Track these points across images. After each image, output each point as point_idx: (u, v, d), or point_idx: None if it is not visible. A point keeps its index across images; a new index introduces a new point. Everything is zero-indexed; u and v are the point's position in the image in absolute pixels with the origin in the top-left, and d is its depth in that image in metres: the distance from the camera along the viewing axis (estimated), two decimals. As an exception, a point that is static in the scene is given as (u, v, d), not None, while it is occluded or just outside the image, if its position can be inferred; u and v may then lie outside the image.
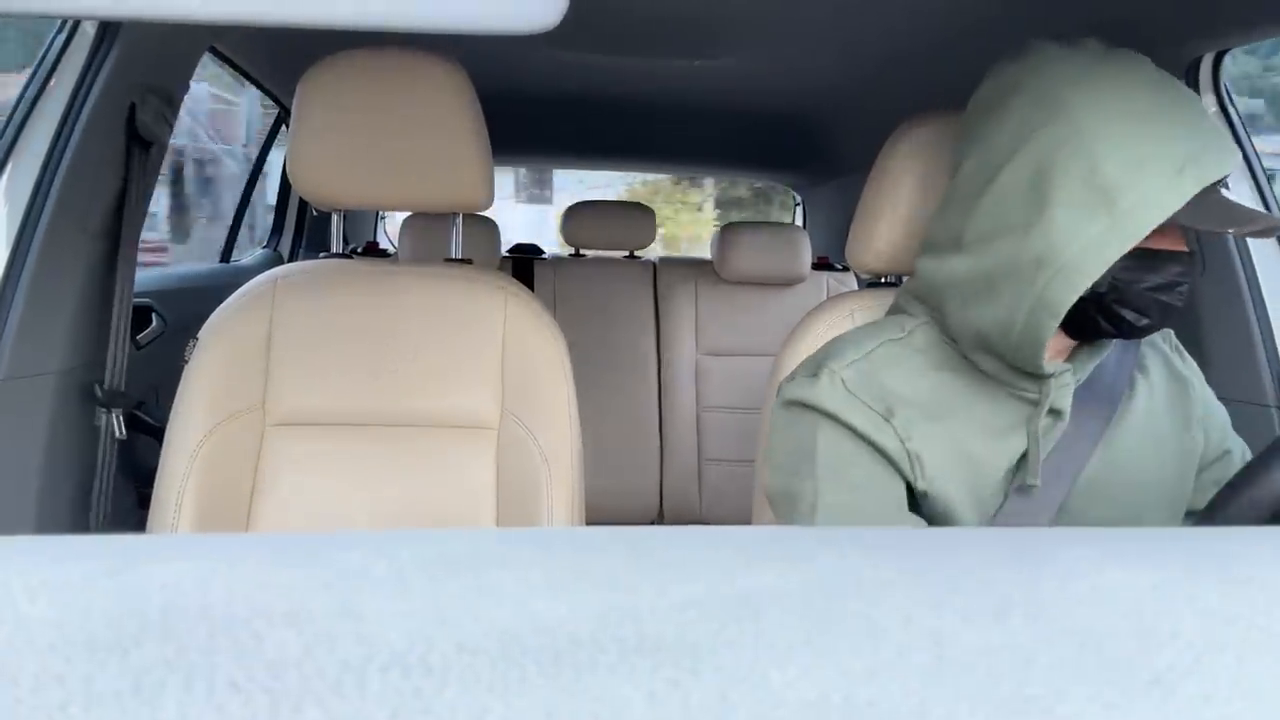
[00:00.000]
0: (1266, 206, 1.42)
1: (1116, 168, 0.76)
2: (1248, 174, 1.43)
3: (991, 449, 0.89)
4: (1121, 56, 0.84)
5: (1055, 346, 0.91)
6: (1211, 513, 0.67)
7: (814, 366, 0.93)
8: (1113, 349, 0.93)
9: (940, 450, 0.88)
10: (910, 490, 0.89)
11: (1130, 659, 0.20)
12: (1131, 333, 0.86)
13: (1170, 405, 0.96)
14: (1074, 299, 0.78)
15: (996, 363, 0.89)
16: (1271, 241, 1.42)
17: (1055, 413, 0.88)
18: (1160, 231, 0.78)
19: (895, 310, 1.00)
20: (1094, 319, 0.85)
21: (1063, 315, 0.79)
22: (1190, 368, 1.00)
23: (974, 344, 0.89)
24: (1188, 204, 0.75)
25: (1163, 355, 0.99)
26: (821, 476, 0.89)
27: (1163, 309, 0.83)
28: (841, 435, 0.89)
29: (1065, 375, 0.89)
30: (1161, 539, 0.28)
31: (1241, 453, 1.01)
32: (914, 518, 0.89)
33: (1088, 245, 0.77)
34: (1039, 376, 0.87)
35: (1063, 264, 0.78)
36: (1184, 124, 0.78)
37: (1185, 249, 0.83)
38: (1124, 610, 0.22)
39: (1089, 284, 0.78)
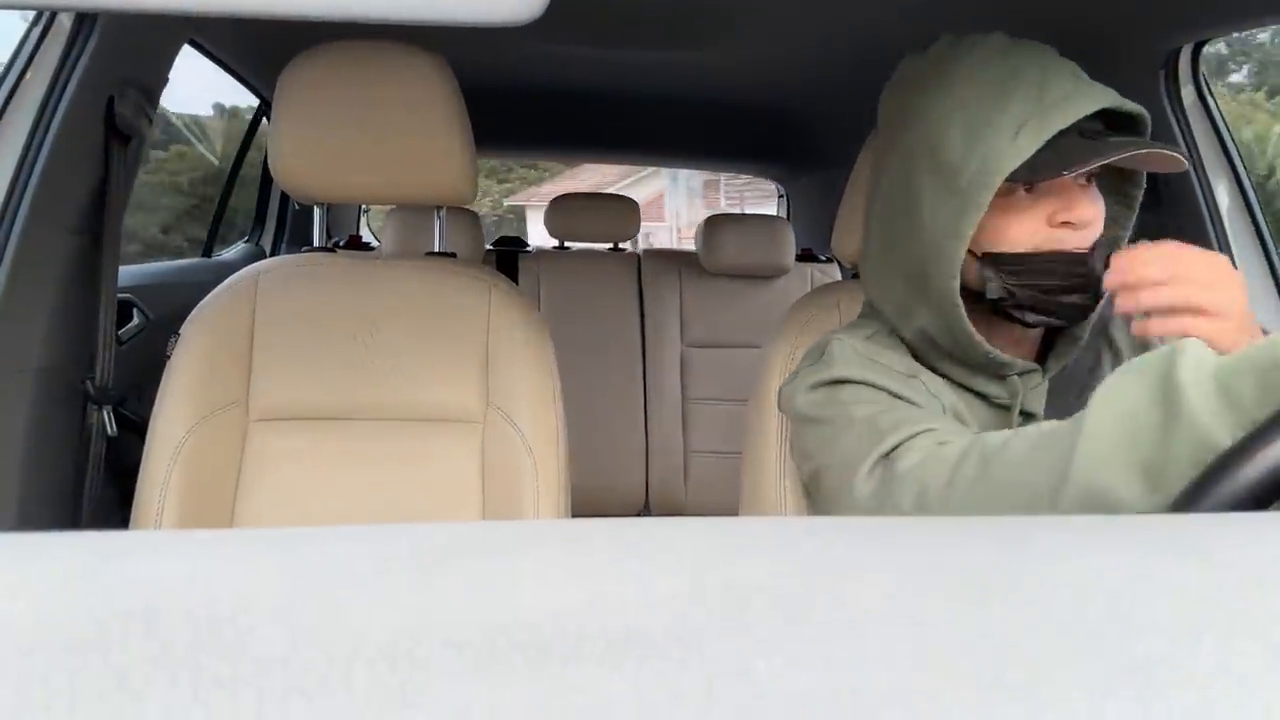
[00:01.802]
0: (1246, 200, 1.43)
1: (955, 148, 0.80)
2: (1227, 169, 1.44)
3: None
4: (966, 46, 0.86)
5: (1016, 339, 0.91)
6: (1189, 498, 0.68)
7: (818, 351, 0.93)
8: (1086, 338, 0.93)
9: (956, 419, 0.88)
10: None
11: (1111, 645, 0.20)
12: (1051, 328, 0.87)
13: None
14: (954, 284, 0.82)
15: (961, 369, 0.89)
16: (1250, 234, 1.43)
17: (1028, 415, 0.89)
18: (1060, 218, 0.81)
19: (864, 317, 1.00)
20: (1015, 320, 0.86)
21: (958, 303, 0.83)
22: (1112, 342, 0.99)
23: (931, 353, 0.90)
24: (1042, 158, 0.78)
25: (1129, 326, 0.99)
26: (860, 413, 0.83)
27: (1072, 308, 0.83)
28: (867, 388, 0.86)
29: (1034, 376, 0.89)
30: (1140, 525, 0.29)
31: None
32: (964, 429, 0.84)
33: (945, 227, 0.81)
34: (1003, 378, 0.88)
35: (934, 254, 0.83)
36: (1029, 85, 0.80)
37: (1083, 249, 0.83)
38: (1104, 596, 0.22)
39: (958, 264, 0.82)
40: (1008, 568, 0.24)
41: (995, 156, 0.78)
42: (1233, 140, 1.45)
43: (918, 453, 0.75)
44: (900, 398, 0.85)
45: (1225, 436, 0.54)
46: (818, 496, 0.91)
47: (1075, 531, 0.27)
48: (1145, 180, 0.91)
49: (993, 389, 0.89)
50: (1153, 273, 0.74)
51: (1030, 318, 0.85)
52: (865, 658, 0.19)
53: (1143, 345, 0.95)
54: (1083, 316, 0.86)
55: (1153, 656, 0.19)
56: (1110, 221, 0.89)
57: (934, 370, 0.90)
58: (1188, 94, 1.43)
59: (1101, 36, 1.34)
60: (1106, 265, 0.79)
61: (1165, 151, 0.79)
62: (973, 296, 0.86)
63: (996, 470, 0.68)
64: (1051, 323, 0.85)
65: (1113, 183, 0.91)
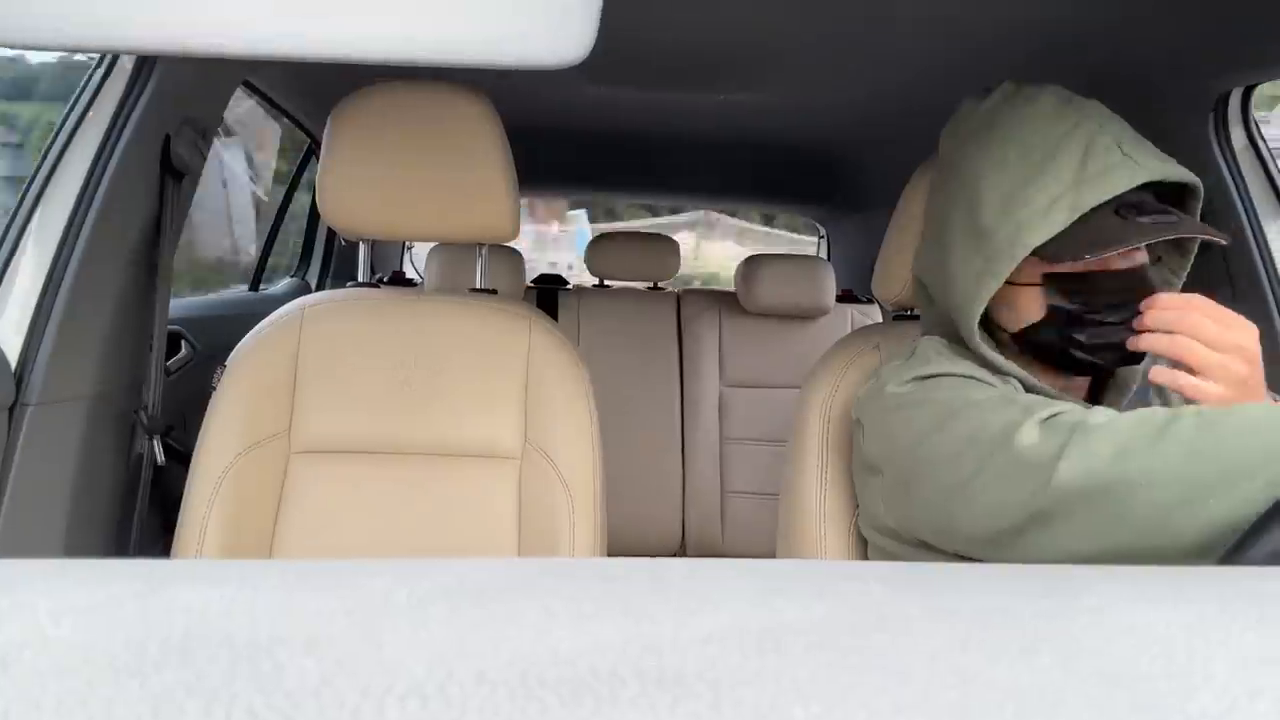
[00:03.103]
0: None
1: (990, 212, 0.82)
2: (1276, 205, 1.41)
3: None
4: (1020, 100, 0.86)
5: (1063, 385, 0.90)
6: (1240, 550, 0.66)
7: (908, 352, 0.93)
8: (1138, 384, 0.91)
9: None
10: None
11: (1163, 701, 0.19)
12: (1100, 368, 0.86)
13: None
14: (975, 334, 0.85)
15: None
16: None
17: None
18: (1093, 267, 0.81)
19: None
20: (1060, 355, 0.86)
21: (986, 351, 0.85)
22: None
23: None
24: (1073, 234, 0.78)
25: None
26: (978, 393, 0.80)
27: (1113, 349, 0.82)
28: (961, 380, 0.84)
29: None
30: (1194, 577, 0.28)
31: None
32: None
33: (968, 283, 0.84)
34: None
35: (955, 306, 0.86)
36: (1071, 155, 0.80)
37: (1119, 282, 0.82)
38: (1156, 650, 0.21)
39: (974, 320, 0.84)
40: (1056, 617, 0.23)
41: (1026, 229, 0.79)
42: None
43: (1103, 415, 0.71)
44: (983, 382, 0.83)
45: None
46: (908, 476, 0.83)
47: (1127, 582, 0.26)
48: (1193, 256, 0.90)
49: None
50: (1166, 318, 0.75)
51: (1078, 354, 0.83)
52: (906, 707, 0.19)
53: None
54: (1129, 359, 0.84)
55: (1206, 715, 0.19)
56: (1166, 270, 0.90)
57: None
58: (1238, 137, 1.41)
59: (1150, 80, 1.33)
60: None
61: (1200, 238, 0.80)
62: (1026, 343, 0.88)
63: (1218, 431, 0.64)
64: (1094, 360, 0.84)
65: (1163, 254, 0.91)
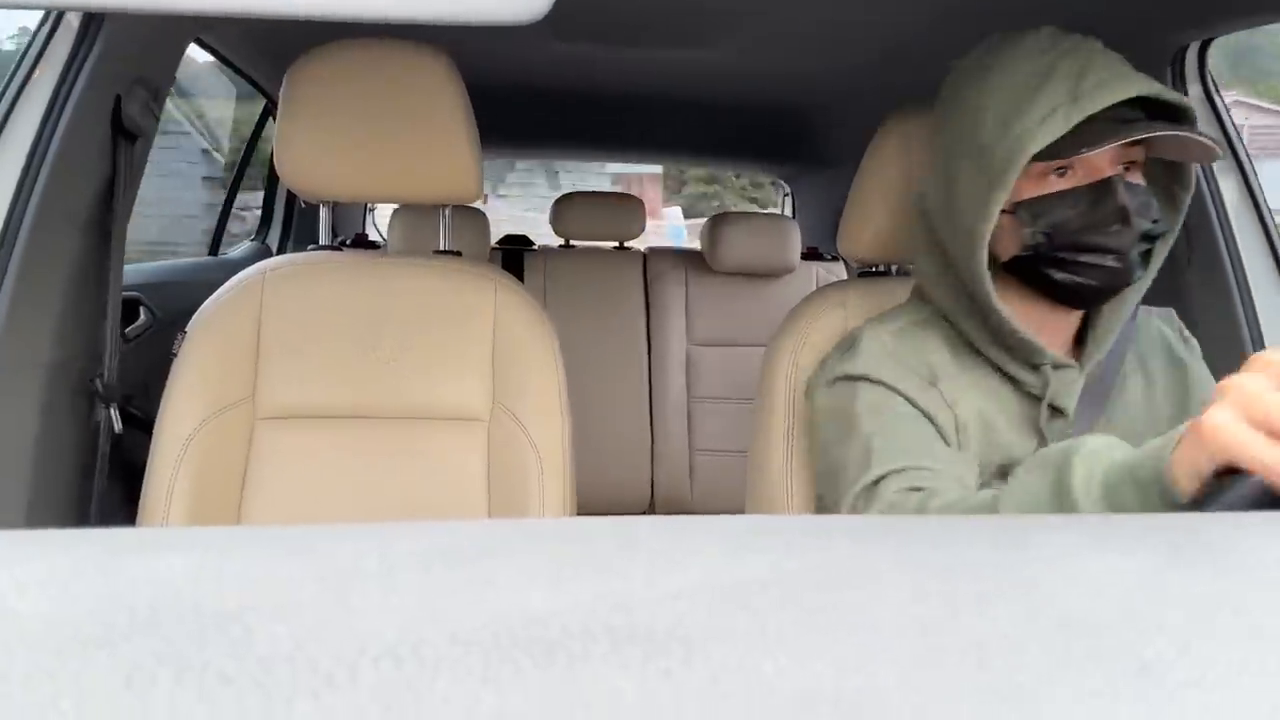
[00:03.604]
0: (1253, 197, 1.43)
1: (990, 132, 0.84)
2: (1234, 166, 1.43)
3: (1013, 435, 0.90)
4: (1015, 38, 0.89)
5: (1051, 328, 0.91)
6: (1200, 500, 0.68)
7: (849, 342, 0.95)
8: (1116, 334, 0.93)
9: (975, 427, 0.89)
10: None
11: (1118, 646, 0.20)
12: (1079, 297, 0.88)
13: (1169, 390, 0.96)
14: (983, 262, 0.85)
15: (1001, 353, 0.90)
16: (1257, 231, 1.43)
17: (1057, 410, 0.89)
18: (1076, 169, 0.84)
19: (912, 301, 1.02)
20: (1046, 281, 0.87)
21: (986, 278, 0.86)
22: (1191, 349, 1.00)
23: (974, 334, 0.90)
24: (1070, 140, 0.80)
25: (1165, 341, 0.99)
26: (867, 425, 0.86)
27: (1102, 252, 0.84)
28: (884, 391, 0.88)
29: (1068, 372, 0.89)
30: (1148, 526, 0.28)
31: None
32: (967, 457, 0.87)
33: (976, 208, 0.85)
34: (1036, 366, 0.88)
35: (965, 233, 0.86)
36: (1067, 74, 0.82)
37: (1108, 175, 0.83)
38: (1111, 597, 0.22)
39: (986, 241, 0.85)
40: (1016, 568, 0.24)
41: (1024, 138, 0.81)
42: (1239, 137, 1.45)
43: (889, 497, 0.80)
44: (914, 404, 0.87)
45: None
46: (822, 493, 0.93)
47: (1083, 532, 0.27)
48: (1193, 182, 0.91)
49: (1025, 376, 0.90)
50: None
51: (1058, 274, 0.85)
52: (871, 657, 0.19)
53: (1177, 370, 0.96)
54: (1113, 279, 0.85)
55: (1163, 660, 0.19)
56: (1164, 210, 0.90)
57: (978, 353, 0.92)
58: (1194, 91, 1.43)
59: (1108, 33, 1.33)
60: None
61: (1195, 138, 0.80)
62: (1012, 273, 0.89)
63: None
64: (1080, 280, 0.85)
65: (1160, 183, 0.92)
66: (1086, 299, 0.88)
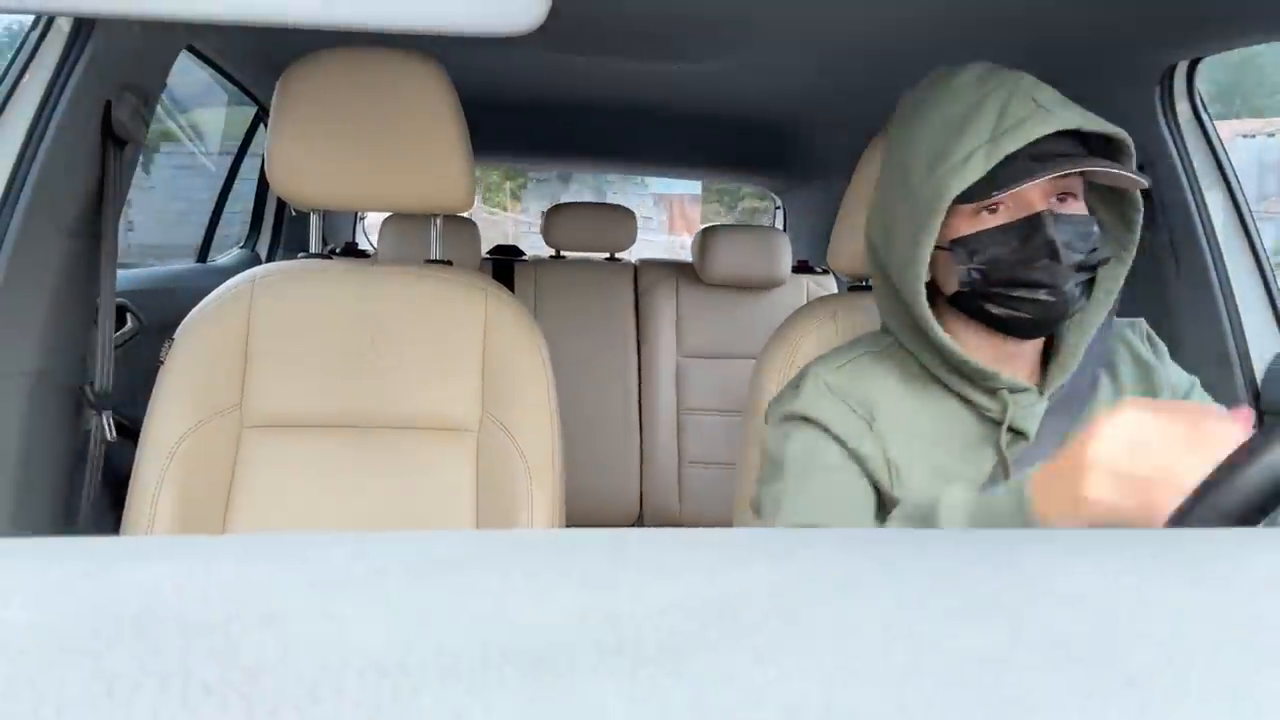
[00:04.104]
0: (1240, 215, 1.44)
1: (917, 174, 0.87)
2: (1221, 184, 1.44)
3: (962, 464, 0.90)
4: (946, 77, 0.91)
5: (1008, 353, 0.92)
6: (1179, 515, 0.68)
7: (797, 379, 0.97)
8: (1080, 358, 0.93)
9: (916, 461, 0.90)
10: (880, 500, 0.91)
11: (1104, 659, 0.20)
12: (1019, 328, 0.89)
13: (1137, 395, 0.96)
14: (921, 299, 0.87)
15: (958, 380, 0.90)
16: (1244, 247, 1.44)
17: (1017, 433, 0.90)
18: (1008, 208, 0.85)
19: (880, 330, 1.02)
20: (984, 314, 0.89)
21: (928, 314, 0.87)
22: (1158, 351, 1.00)
23: (928, 359, 0.91)
24: (988, 179, 0.82)
25: (1131, 348, 0.99)
26: (789, 476, 0.90)
27: (1034, 304, 0.85)
28: (816, 435, 0.91)
29: (1028, 395, 0.90)
30: (1132, 540, 0.29)
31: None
32: (876, 524, 0.90)
33: (907, 250, 0.87)
34: (993, 391, 0.89)
35: (900, 273, 0.89)
36: (989, 113, 0.84)
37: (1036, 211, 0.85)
38: (1097, 611, 0.22)
39: (922, 280, 0.86)
40: (1002, 582, 0.24)
41: (945, 180, 0.83)
42: (1227, 156, 1.46)
43: None
44: (845, 447, 0.90)
45: None
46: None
47: (1068, 547, 0.27)
48: (1143, 203, 0.91)
49: (983, 400, 0.91)
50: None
51: (994, 309, 0.87)
52: (858, 670, 0.19)
53: (1145, 377, 0.96)
54: (1048, 311, 0.86)
55: (1147, 672, 0.19)
56: (1113, 243, 0.92)
57: (936, 379, 0.92)
58: (1183, 110, 1.44)
59: (1098, 53, 1.34)
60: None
61: (1107, 171, 0.82)
62: (957, 307, 0.91)
63: None
64: (1016, 314, 0.86)
65: (1111, 207, 0.92)
66: (1026, 331, 0.89)
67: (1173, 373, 0.99)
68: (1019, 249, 0.84)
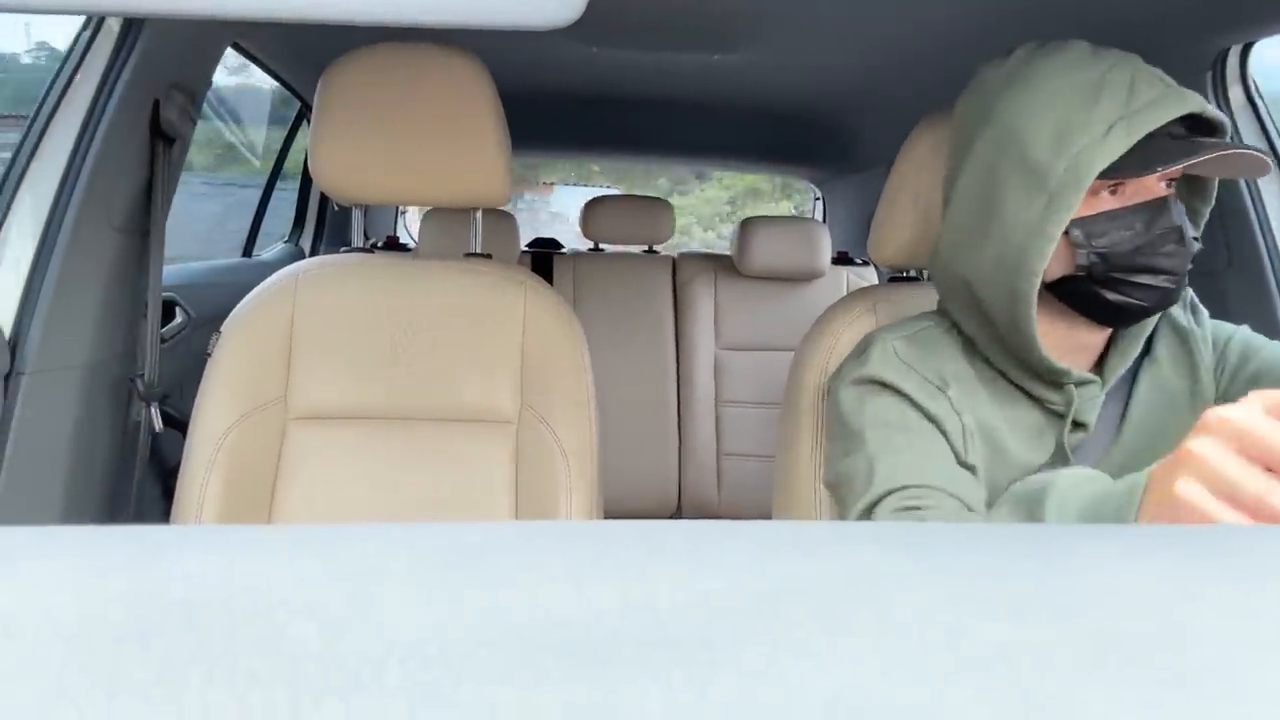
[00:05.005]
0: None
1: (1043, 147, 0.80)
2: (1276, 171, 1.41)
3: (1022, 449, 0.89)
4: (1051, 50, 0.86)
5: (1077, 345, 0.90)
6: None
7: (861, 347, 0.94)
8: (1141, 345, 0.91)
9: (983, 436, 0.88)
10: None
11: (1151, 657, 0.19)
12: (1127, 317, 0.85)
13: (1176, 367, 0.94)
14: (1035, 282, 0.82)
15: (1020, 371, 0.89)
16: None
17: (1080, 425, 0.88)
18: (1126, 189, 0.82)
19: (926, 313, 1.00)
20: (1096, 302, 0.85)
21: (1033, 303, 0.83)
22: (1198, 317, 0.97)
23: (991, 351, 0.89)
24: (1131, 159, 0.78)
25: (1169, 318, 0.96)
26: (872, 439, 0.86)
27: (1153, 291, 0.82)
28: (892, 398, 0.87)
29: (1092, 388, 0.88)
30: (1182, 535, 0.28)
31: (1271, 349, 0.94)
32: (971, 477, 0.86)
33: (1032, 226, 0.81)
34: (1060, 385, 0.87)
35: (1016, 252, 0.82)
36: (1118, 87, 0.80)
37: (1160, 196, 0.82)
38: (1144, 608, 0.22)
39: (1042, 266, 0.81)
40: (1047, 578, 0.24)
41: (1086, 156, 0.78)
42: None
43: (885, 518, 0.80)
44: (923, 412, 0.86)
45: None
46: (833, 496, 0.94)
47: (1118, 541, 0.27)
48: (1214, 197, 0.89)
49: (1050, 395, 0.89)
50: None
51: (1109, 295, 0.83)
52: (900, 667, 0.19)
53: (1181, 344, 0.94)
54: (1165, 299, 0.83)
55: (1198, 671, 0.19)
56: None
57: (991, 364, 0.90)
58: (1236, 95, 1.40)
59: (1150, 37, 1.31)
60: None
61: (1253, 153, 0.79)
62: (1054, 293, 0.87)
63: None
64: (1131, 301, 0.83)
65: (1183, 198, 0.90)
66: (1135, 318, 0.86)
67: (1210, 330, 0.96)
68: (1143, 233, 0.81)
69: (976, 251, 0.86)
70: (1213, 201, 0.89)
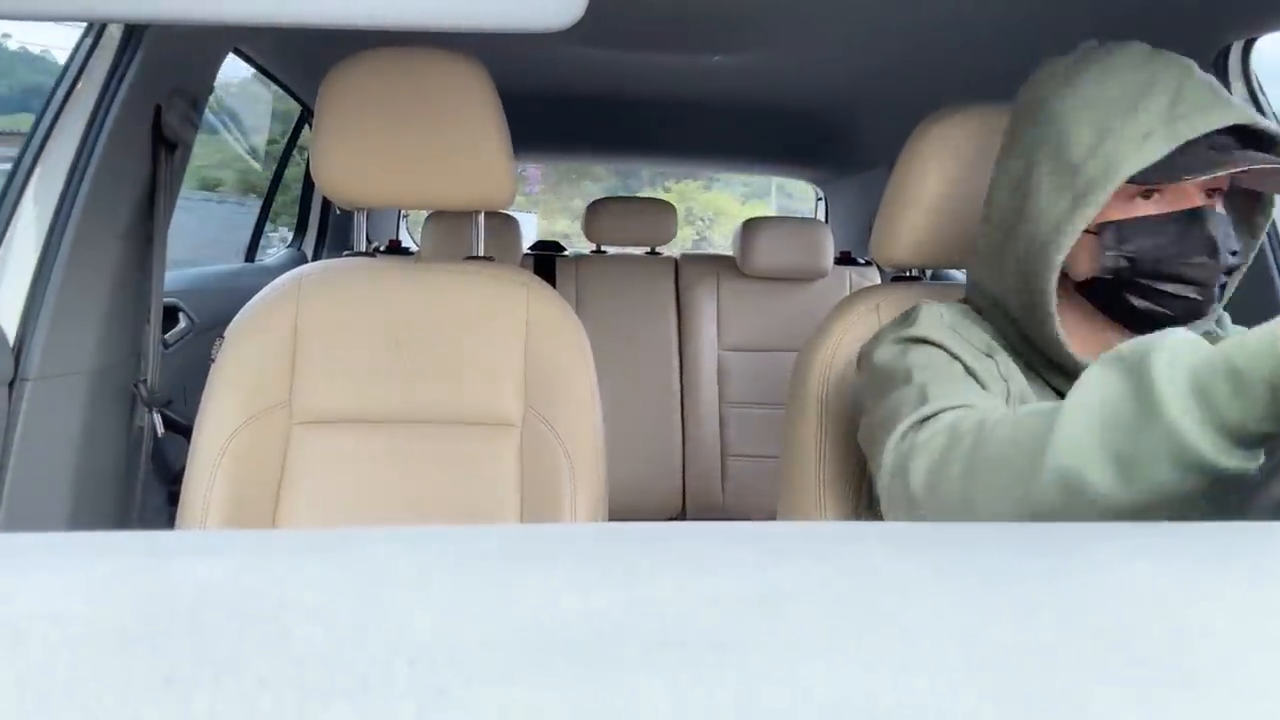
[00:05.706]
0: None
1: (1080, 146, 0.80)
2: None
3: None
4: (1107, 51, 0.86)
5: (1103, 343, 0.89)
6: (1242, 507, 0.66)
7: (908, 311, 0.93)
8: None
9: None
10: None
11: (1160, 656, 0.19)
12: (1154, 325, 0.84)
13: None
14: (1053, 276, 0.82)
15: (1043, 362, 0.89)
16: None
17: None
18: (1166, 195, 0.81)
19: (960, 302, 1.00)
20: (1123, 306, 0.84)
21: (1052, 296, 0.82)
22: (1220, 319, 0.95)
23: (1018, 341, 0.89)
24: (1166, 165, 0.77)
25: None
26: (920, 375, 0.82)
27: (1181, 301, 0.81)
28: (939, 352, 0.85)
29: None
30: (1191, 534, 0.28)
31: None
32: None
33: (1058, 221, 0.81)
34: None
35: (1039, 247, 0.82)
36: (1163, 93, 0.79)
37: (1197, 205, 0.81)
38: (1154, 606, 0.21)
39: (1060, 258, 0.81)
40: (1055, 575, 0.23)
41: (1119, 157, 0.78)
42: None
43: (943, 423, 0.75)
44: (970, 371, 0.84)
45: (1196, 434, 0.54)
46: (868, 452, 0.89)
47: (1123, 540, 0.27)
48: (1272, 212, 0.88)
49: (1067, 388, 0.88)
50: None
51: (1135, 301, 0.82)
52: (907, 666, 0.19)
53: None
54: (1193, 311, 0.82)
55: (1207, 669, 0.19)
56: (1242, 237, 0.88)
57: (1020, 355, 0.90)
58: (1238, 90, 1.40)
59: (1151, 34, 1.31)
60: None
61: None
62: (1084, 293, 0.87)
63: (985, 448, 0.68)
64: (1157, 309, 0.82)
65: (1241, 212, 0.89)
66: (1159, 327, 0.85)
67: (1232, 333, 0.94)
68: (1175, 242, 0.80)
69: (1015, 243, 0.87)
70: (1271, 215, 0.88)
